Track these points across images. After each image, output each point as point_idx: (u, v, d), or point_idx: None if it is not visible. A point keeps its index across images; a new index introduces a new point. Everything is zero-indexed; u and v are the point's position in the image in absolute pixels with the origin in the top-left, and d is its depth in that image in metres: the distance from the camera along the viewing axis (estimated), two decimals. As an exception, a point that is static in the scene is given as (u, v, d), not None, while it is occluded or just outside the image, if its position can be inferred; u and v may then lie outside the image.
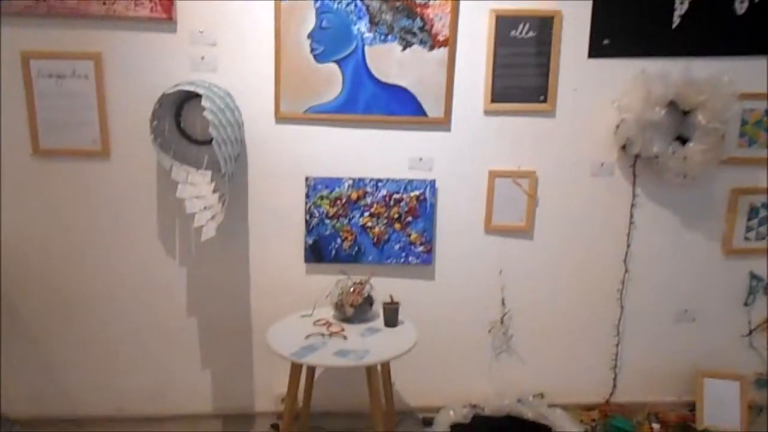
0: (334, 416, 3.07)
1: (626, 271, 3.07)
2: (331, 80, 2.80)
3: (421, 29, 2.77)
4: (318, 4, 2.73)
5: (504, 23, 2.81)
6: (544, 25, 2.81)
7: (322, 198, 2.90)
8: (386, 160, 2.92)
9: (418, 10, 2.76)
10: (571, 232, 3.03)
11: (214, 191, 2.74)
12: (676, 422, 3.05)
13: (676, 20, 2.86)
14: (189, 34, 2.74)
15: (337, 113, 2.84)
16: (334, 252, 2.95)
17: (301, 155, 2.89)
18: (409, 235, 2.95)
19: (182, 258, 2.94)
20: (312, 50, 2.77)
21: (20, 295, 2.92)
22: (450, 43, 2.80)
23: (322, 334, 2.52)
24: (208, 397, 3.10)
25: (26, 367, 2.99)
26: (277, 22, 2.73)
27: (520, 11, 2.80)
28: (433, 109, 2.85)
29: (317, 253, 2.95)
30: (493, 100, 2.88)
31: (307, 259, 2.96)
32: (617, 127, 2.86)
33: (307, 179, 2.89)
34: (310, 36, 2.76)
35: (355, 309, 2.65)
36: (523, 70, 2.85)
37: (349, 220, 2.92)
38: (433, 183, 2.92)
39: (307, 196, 2.90)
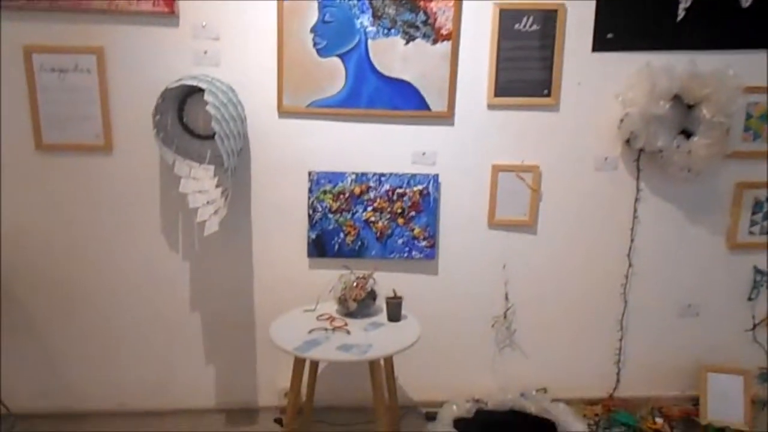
0: (338, 411, 3.07)
1: (630, 265, 3.07)
2: (334, 74, 2.79)
3: (425, 23, 2.76)
4: (321, -3, 2.72)
5: (507, 17, 2.79)
6: (548, 19, 2.80)
7: (325, 192, 2.89)
8: (389, 155, 2.91)
9: (421, 3, 2.74)
10: (574, 226, 3.03)
11: (217, 186, 2.73)
12: (680, 417, 3.05)
13: (681, 13, 2.85)
14: (191, 29, 2.73)
15: (340, 107, 2.83)
16: (337, 247, 2.95)
17: (304, 150, 2.88)
18: (413, 230, 2.95)
19: (185, 253, 2.94)
20: (315, 44, 2.76)
21: (23, 289, 2.92)
22: (453, 36, 2.78)
23: (325, 329, 2.51)
24: (211, 391, 3.10)
25: (28, 361, 2.99)
26: (279, 16, 2.72)
27: (524, 4, 2.79)
28: (436, 103, 2.84)
29: (320, 247, 2.95)
30: (496, 94, 2.87)
31: (310, 254, 2.96)
32: (621, 121, 2.85)
33: (310, 174, 2.88)
34: (312, 30, 2.75)
35: (358, 304, 2.65)
36: (526, 63, 2.84)
37: (352, 214, 2.92)
38: (436, 177, 2.91)
39: (310, 190, 2.89)
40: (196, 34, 2.73)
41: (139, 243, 2.91)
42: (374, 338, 2.44)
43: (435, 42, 2.78)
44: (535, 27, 2.81)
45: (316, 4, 2.72)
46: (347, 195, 2.90)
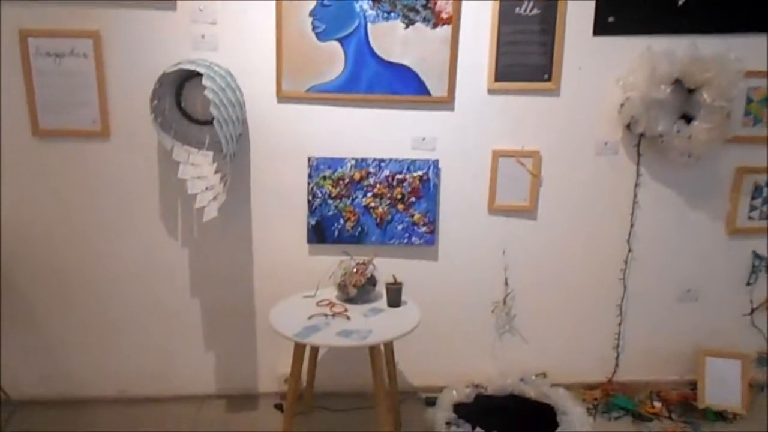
0: (338, 396, 3.08)
1: (629, 250, 3.07)
2: (333, 59, 2.77)
3: (425, 6, 2.74)
4: (320, -19, 2.70)
5: (508, 0, 2.77)
6: (549, 3, 2.78)
7: (324, 178, 2.88)
8: (389, 140, 2.89)
9: (422, -14, 2.72)
10: (574, 211, 3.03)
11: (216, 172, 2.71)
12: (678, 401, 3.06)
13: (682, -3, 2.83)
14: (189, 12, 2.70)
15: (339, 92, 2.81)
16: (336, 232, 2.94)
17: (304, 135, 2.86)
18: (412, 216, 2.94)
19: (184, 239, 2.92)
20: (314, 28, 2.73)
21: (21, 277, 2.91)
22: (453, 20, 2.76)
23: (325, 315, 2.51)
24: (212, 378, 3.10)
25: (28, 348, 2.99)
26: (278, 0, 2.69)
27: (525, -12, 2.77)
28: (436, 87, 2.83)
29: (320, 233, 2.94)
30: (496, 79, 2.85)
31: (310, 240, 2.95)
32: (622, 105, 2.84)
33: (309, 159, 2.87)
34: (311, 14, 2.72)
35: (358, 289, 2.64)
36: (527, 48, 2.82)
37: (352, 200, 2.91)
38: (436, 163, 2.90)
39: (310, 176, 2.88)
40: (194, 18, 2.70)
41: (138, 229, 2.89)
42: (374, 324, 2.44)
43: (435, 26, 2.76)
44: (535, 11, 2.79)
45: (315, -12, 2.70)
46: (347, 181, 2.89)
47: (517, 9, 2.78)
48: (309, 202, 2.90)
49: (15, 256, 2.87)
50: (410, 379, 3.17)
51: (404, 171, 2.89)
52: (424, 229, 2.96)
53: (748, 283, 3.16)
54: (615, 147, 2.97)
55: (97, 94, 2.72)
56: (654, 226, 3.06)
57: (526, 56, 2.83)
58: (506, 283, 3.08)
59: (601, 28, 2.84)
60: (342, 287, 2.66)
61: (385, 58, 2.78)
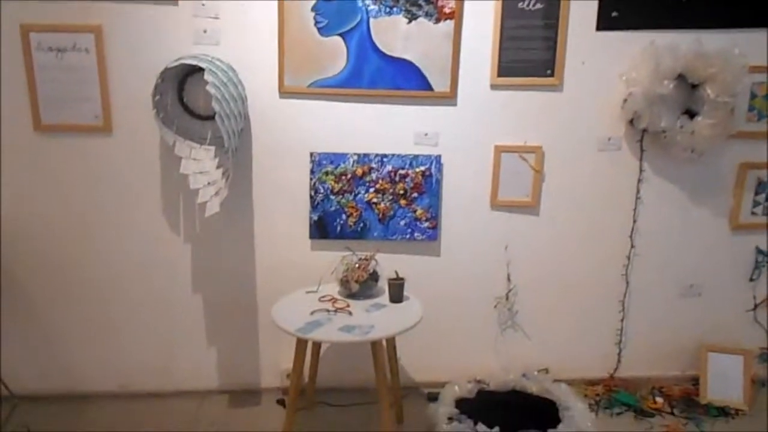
0: (340, 392, 3.08)
1: (632, 246, 3.07)
2: (335, 54, 2.76)
3: (427, 1, 2.73)
4: (322, -25, 2.69)
5: (511, -5, 2.77)
6: (552, -2, 2.78)
7: (327, 174, 2.87)
8: (391, 135, 2.89)
9: (424, -19, 2.72)
10: (577, 207, 3.02)
11: (218, 167, 2.71)
12: (680, 396, 3.06)
13: (686, -9, 2.82)
14: (191, 7, 2.69)
15: (341, 88, 2.80)
16: (339, 228, 2.94)
17: (306, 130, 2.86)
18: (415, 211, 2.93)
19: (186, 234, 2.92)
20: (316, 23, 2.73)
21: (23, 272, 2.91)
22: (456, 15, 2.75)
23: (328, 310, 2.51)
24: (214, 373, 3.11)
25: (30, 343, 2.99)
26: (280, -5, 2.69)
27: (528, -18, 2.76)
28: (438, 83, 2.82)
29: (322, 229, 2.93)
30: (499, 74, 2.84)
31: (312, 236, 2.95)
32: (625, 101, 2.83)
33: (311, 155, 2.86)
34: (314, 9, 2.71)
35: (360, 285, 2.64)
36: (530, 43, 2.81)
37: (354, 196, 2.91)
38: (438, 158, 2.89)
39: (312, 171, 2.87)
40: (196, 13, 2.69)
41: (140, 224, 2.89)
42: (376, 319, 2.44)
43: (438, 21, 2.75)
44: (539, 6, 2.78)
45: (317, -18, 2.69)
46: (349, 176, 2.88)
47: (520, 4, 2.77)
48: (311, 197, 2.90)
49: (17, 251, 2.87)
50: (412, 375, 3.18)
51: (406, 166, 2.89)
52: (426, 224, 2.95)
53: (751, 279, 3.16)
54: (618, 142, 2.96)
55: (99, 89, 2.72)
56: (657, 221, 3.05)
57: (529, 51, 2.82)
58: (508, 279, 3.08)
59: (604, 22, 2.83)
60: (344, 283, 2.66)
61: (388, 53, 2.77)
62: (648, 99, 2.75)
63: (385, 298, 2.67)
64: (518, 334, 3.16)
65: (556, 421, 2.64)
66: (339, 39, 2.75)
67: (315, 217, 2.92)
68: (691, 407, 2.98)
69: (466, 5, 2.76)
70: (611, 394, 3.07)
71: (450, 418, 2.64)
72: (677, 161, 2.96)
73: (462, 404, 2.77)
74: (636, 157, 2.98)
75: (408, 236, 2.96)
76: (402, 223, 2.95)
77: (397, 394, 2.84)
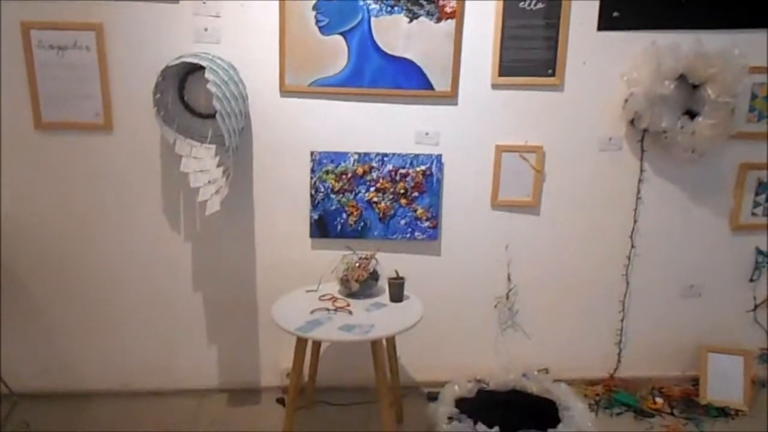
0: (340, 391, 3.08)
1: (632, 246, 3.07)
2: (336, 53, 2.76)
3: (428, 0, 2.72)
4: (323, -26, 2.68)
5: (512, -5, 2.77)
6: (553, -3, 2.78)
7: (327, 172, 2.87)
8: (392, 135, 2.89)
9: (425, -20, 2.71)
10: (577, 207, 3.02)
11: (219, 165, 2.71)
12: (680, 397, 3.06)
13: (687, -8, 2.82)
14: (192, 5, 2.69)
15: (342, 86, 2.80)
16: (339, 227, 2.94)
17: (307, 129, 2.86)
18: (415, 210, 2.93)
19: (187, 232, 2.92)
20: (317, 22, 2.72)
21: (23, 269, 2.91)
22: (457, 14, 2.75)
23: (328, 309, 2.51)
24: (214, 371, 3.11)
25: (30, 341, 2.99)
26: (281, -6, 2.69)
27: (529, -18, 2.76)
28: (440, 82, 2.82)
29: (322, 228, 2.93)
30: (500, 74, 2.84)
31: (313, 234, 2.95)
32: (626, 101, 2.83)
33: (312, 153, 2.86)
34: (315, 7, 2.71)
35: (360, 284, 2.64)
36: (531, 42, 2.81)
37: (355, 195, 2.90)
38: (439, 157, 2.89)
39: (313, 170, 2.87)
40: (197, 11, 2.69)
41: (140, 222, 2.89)
42: (376, 319, 2.44)
43: (439, 20, 2.75)
44: (540, 5, 2.78)
45: (318, -19, 2.69)
46: (350, 175, 2.88)
47: (522, 3, 2.77)
48: (312, 196, 2.90)
49: (17, 249, 2.87)
50: (412, 374, 3.18)
51: (407, 166, 2.89)
52: (426, 224, 2.95)
53: (751, 280, 3.16)
54: (619, 142, 2.96)
55: (100, 87, 2.72)
56: (657, 221, 3.05)
57: (530, 51, 2.82)
58: (509, 279, 3.08)
59: (605, 23, 2.83)
60: (344, 282, 2.66)
61: (389, 52, 2.77)
62: (649, 99, 2.75)
63: (385, 297, 2.67)
64: (518, 333, 3.16)
65: (556, 421, 2.64)
66: (340, 38, 2.75)
67: (315, 216, 2.92)
68: (691, 408, 2.98)
69: (468, 5, 2.76)
70: (611, 394, 3.07)
71: (450, 418, 2.63)
72: (678, 161, 2.96)
73: (462, 404, 2.76)
74: (637, 157, 2.98)
75: (408, 235, 2.96)
76: (402, 222, 2.95)
77: (397, 394, 2.84)
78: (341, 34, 2.74)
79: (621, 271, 3.10)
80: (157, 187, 2.86)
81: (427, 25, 2.75)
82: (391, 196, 2.91)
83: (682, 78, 2.80)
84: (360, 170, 2.88)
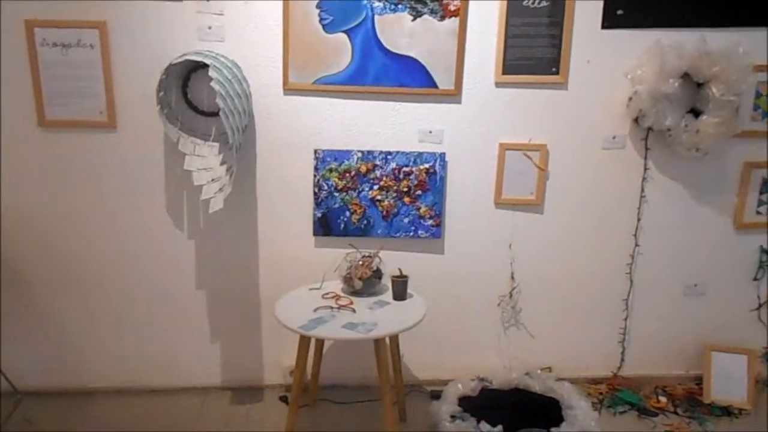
0: (343, 389, 3.08)
1: (636, 244, 3.06)
2: (340, 51, 2.76)
3: (432, -2, 2.73)
4: (327, -28, 2.68)
5: (516, -7, 2.76)
6: (557, -5, 2.77)
7: (331, 171, 2.87)
8: (396, 133, 2.89)
9: (429, -22, 2.71)
10: (581, 205, 3.02)
11: (222, 163, 2.71)
12: (684, 396, 3.06)
13: (692, -10, 2.81)
14: (195, 3, 2.68)
15: (346, 85, 2.80)
16: (342, 225, 2.93)
17: (310, 127, 2.85)
18: (419, 209, 2.93)
19: (190, 230, 2.92)
20: (321, 20, 2.72)
21: (27, 267, 2.91)
22: (461, 12, 2.75)
23: (331, 307, 2.51)
24: (217, 369, 3.11)
25: (33, 339, 2.99)
26: (285, -9, 2.69)
27: (533, -20, 2.75)
28: (443, 80, 2.81)
29: (326, 226, 2.93)
30: (504, 72, 2.84)
31: (316, 233, 2.95)
32: (630, 99, 2.83)
33: (315, 152, 2.86)
34: (318, 5, 2.71)
35: (363, 282, 2.64)
36: (535, 41, 2.80)
37: (358, 193, 2.90)
38: (443, 156, 2.89)
39: (316, 168, 2.87)
40: (201, 9, 2.69)
41: (144, 220, 2.89)
42: (379, 317, 2.44)
43: (443, 18, 2.75)
44: (544, 3, 2.77)
45: (322, -21, 2.69)
46: (353, 173, 2.88)
47: (525, 1, 2.77)
48: (315, 194, 2.90)
49: (21, 247, 2.87)
50: (415, 372, 3.18)
51: (411, 164, 2.89)
52: (430, 222, 2.95)
53: (755, 279, 3.15)
54: (622, 141, 2.96)
55: (104, 85, 2.72)
56: (661, 220, 3.05)
57: (534, 49, 2.82)
58: (512, 277, 3.08)
59: (609, 21, 2.82)
60: (347, 280, 2.66)
61: (393, 50, 2.77)
62: (653, 97, 2.74)
63: (388, 295, 2.67)
64: (521, 332, 3.16)
65: (559, 419, 2.63)
66: (344, 36, 2.74)
67: (319, 214, 2.92)
68: (695, 406, 2.98)
69: (471, 3, 2.75)
70: (614, 392, 3.07)
71: (453, 416, 2.62)
72: (682, 160, 2.95)
73: (465, 402, 2.75)
74: (640, 155, 2.97)
75: (412, 234, 2.96)
76: (406, 220, 2.94)
77: (400, 392, 2.84)
78: (345, 32, 2.74)
79: (624, 270, 3.10)
80: (161, 185, 2.86)
81: (430, 24, 2.75)
82: (394, 194, 2.91)
83: (686, 76, 2.79)
84: (363, 168, 2.88)
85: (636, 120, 2.88)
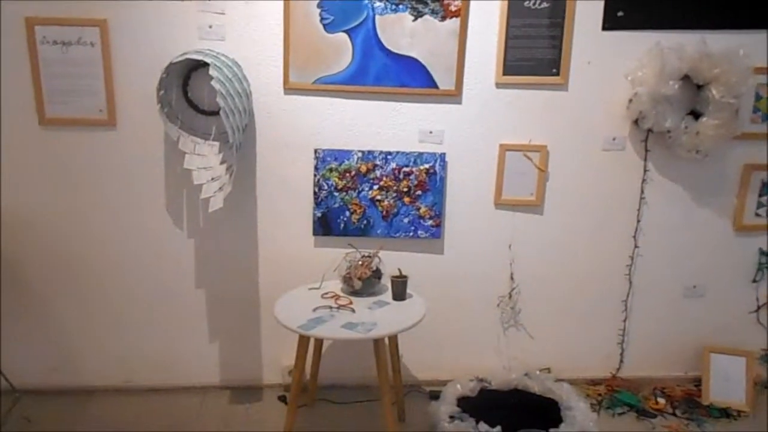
0: (342, 389, 3.08)
1: (636, 246, 3.06)
2: (341, 50, 2.76)
3: (433, -1, 2.73)
4: (328, -29, 2.68)
5: (517, -7, 2.76)
6: (558, -4, 2.77)
7: (331, 170, 2.87)
8: (396, 133, 2.89)
9: (430, -22, 2.71)
10: (581, 206, 3.02)
11: (222, 162, 2.71)
12: (682, 397, 3.06)
13: (693, -8, 2.82)
14: (197, 2, 2.68)
15: (346, 84, 2.80)
16: (342, 225, 2.93)
17: (310, 127, 2.85)
18: (419, 209, 2.93)
19: (190, 229, 2.92)
20: (322, 19, 2.72)
21: (27, 265, 2.91)
22: (462, 13, 2.75)
23: (330, 307, 2.51)
24: (216, 369, 3.10)
25: (33, 337, 2.99)
26: (286, -9, 2.69)
27: (534, -19, 2.76)
28: (444, 81, 2.82)
29: (326, 225, 2.93)
30: (505, 73, 2.84)
31: (316, 232, 2.95)
32: (630, 101, 2.83)
33: (316, 151, 2.86)
34: (319, 5, 2.70)
35: (363, 282, 2.64)
36: (536, 42, 2.81)
37: (358, 193, 2.90)
38: (443, 156, 2.89)
39: (316, 168, 2.87)
40: (202, 8, 2.69)
41: (144, 219, 2.89)
42: (379, 317, 2.44)
43: (443, 18, 2.75)
44: (545, 5, 2.77)
45: (323, -21, 2.69)
46: (353, 173, 2.88)
47: (526, 2, 2.77)
48: (315, 194, 2.90)
49: (21, 245, 2.87)
50: (414, 373, 3.18)
51: (411, 164, 2.89)
52: (430, 222, 2.95)
53: (755, 281, 3.15)
54: (622, 142, 2.96)
55: (104, 84, 2.72)
56: (660, 222, 3.05)
57: (535, 50, 2.82)
58: (512, 278, 3.08)
59: (610, 22, 2.83)
60: (347, 280, 2.66)
61: (393, 50, 2.77)
62: (653, 99, 2.75)
63: (387, 295, 2.67)
64: (521, 332, 3.16)
65: (558, 420, 2.63)
66: (345, 35, 2.74)
67: (318, 214, 2.92)
68: (693, 408, 2.98)
69: (472, 3, 2.75)
70: (613, 394, 3.07)
71: (452, 417, 2.62)
72: (681, 162, 2.96)
73: (464, 403, 2.75)
74: (640, 157, 2.97)
75: (411, 234, 2.96)
76: (406, 220, 2.94)
77: (399, 392, 2.84)
78: (346, 31, 2.74)
79: (624, 271, 3.10)
80: (161, 184, 2.86)
81: (431, 24, 2.75)
82: (394, 195, 2.91)
83: (686, 78, 2.80)
84: (364, 168, 2.88)
85: (636, 121, 2.88)
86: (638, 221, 3.03)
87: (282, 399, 3.02)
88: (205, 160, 2.69)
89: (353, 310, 2.49)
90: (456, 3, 2.73)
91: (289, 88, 2.80)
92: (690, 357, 3.19)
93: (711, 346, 3.12)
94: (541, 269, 3.07)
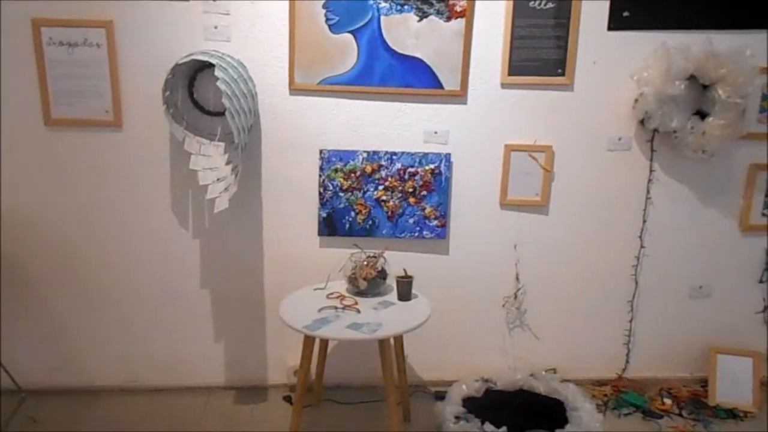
0: (347, 389, 3.08)
1: (641, 246, 3.06)
2: (346, 51, 2.76)
3: (438, -1, 2.73)
4: (333, -28, 2.68)
5: (522, -6, 2.76)
6: (564, -3, 2.77)
7: (336, 171, 2.87)
8: (401, 133, 2.89)
9: (436, -21, 2.71)
10: (587, 207, 3.01)
11: (228, 163, 2.71)
12: (688, 398, 3.05)
13: (699, -9, 2.81)
14: (202, 3, 2.69)
15: (352, 85, 2.80)
16: (347, 225, 2.93)
17: (316, 127, 2.86)
18: (424, 209, 2.93)
19: (195, 230, 2.92)
20: (327, 20, 2.72)
21: (31, 266, 2.91)
22: (467, 13, 2.74)
23: (335, 308, 2.51)
24: (221, 369, 3.11)
25: (38, 337, 2.99)
26: (291, -9, 2.69)
27: (540, -19, 2.75)
28: (449, 81, 2.81)
29: (331, 226, 2.93)
30: (510, 73, 2.83)
31: (321, 233, 2.95)
32: (636, 101, 2.82)
33: (321, 152, 2.86)
34: (325, 5, 2.71)
35: (368, 282, 2.64)
36: (541, 42, 2.80)
37: (363, 193, 2.90)
38: (448, 156, 2.89)
39: (321, 168, 2.87)
40: (207, 9, 2.69)
41: (149, 219, 2.89)
42: (384, 317, 2.44)
43: (449, 19, 2.75)
44: (550, 5, 2.77)
45: (328, -21, 2.69)
46: (358, 173, 2.88)
47: (532, 3, 2.76)
48: (320, 194, 2.90)
49: (26, 246, 2.88)
50: (420, 373, 3.17)
51: (416, 164, 2.89)
52: (435, 222, 2.95)
53: (761, 281, 3.14)
54: (628, 143, 2.95)
55: (110, 84, 2.72)
56: (666, 222, 3.04)
57: (540, 50, 2.81)
58: (517, 278, 3.07)
59: (615, 22, 2.82)
60: (352, 280, 2.66)
61: (398, 50, 2.77)
62: (659, 99, 2.74)
63: (393, 295, 2.67)
64: (526, 333, 3.15)
65: (563, 421, 2.63)
66: (350, 36, 2.74)
67: (324, 214, 2.92)
68: (700, 409, 2.97)
69: (477, 4, 2.75)
70: (619, 394, 3.06)
71: (457, 417, 2.62)
72: (687, 162, 2.95)
73: (469, 403, 2.75)
74: (646, 157, 2.97)
75: (417, 234, 2.96)
76: (411, 221, 2.94)
77: (405, 392, 2.83)
78: (351, 32, 2.74)
79: (630, 272, 3.09)
80: (166, 185, 2.86)
81: (436, 24, 2.75)
82: (399, 195, 2.91)
83: (692, 78, 2.79)
84: (369, 169, 2.88)
85: (642, 122, 2.88)
86: (644, 221, 3.03)
87: (287, 399, 3.02)
88: (210, 160, 2.70)
89: (358, 311, 2.49)
90: (461, 3, 2.73)
91: (295, 89, 2.80)
92: (696, 357, 3.18)
93: (717, 347, 3.11)
94: (546, 269, 3.07)
